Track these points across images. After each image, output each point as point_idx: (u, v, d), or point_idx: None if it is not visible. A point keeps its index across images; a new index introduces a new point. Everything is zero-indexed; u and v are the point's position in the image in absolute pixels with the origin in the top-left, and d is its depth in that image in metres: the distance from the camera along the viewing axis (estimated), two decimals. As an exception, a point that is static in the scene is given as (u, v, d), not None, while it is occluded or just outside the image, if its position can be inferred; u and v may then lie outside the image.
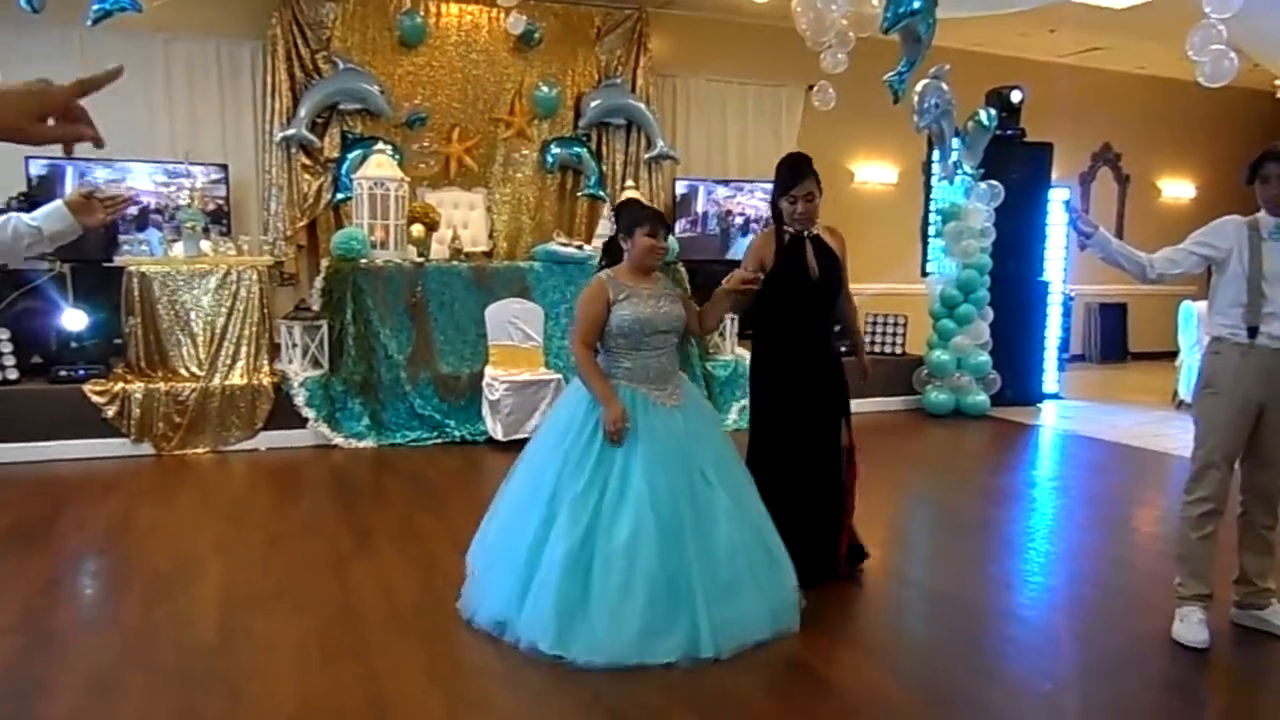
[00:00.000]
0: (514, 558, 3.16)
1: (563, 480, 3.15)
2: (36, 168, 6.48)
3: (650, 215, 3.37)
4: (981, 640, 3.45)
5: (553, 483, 3.16)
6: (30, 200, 6.02)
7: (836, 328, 4.03)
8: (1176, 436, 6.24)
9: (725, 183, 8.68)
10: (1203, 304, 3.94)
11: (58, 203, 2.36)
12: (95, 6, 4.68)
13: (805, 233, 3.77)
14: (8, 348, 5.84)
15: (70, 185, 6.49)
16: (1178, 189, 11.44)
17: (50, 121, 1.31)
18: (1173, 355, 8.53)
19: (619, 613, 2.97)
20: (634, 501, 3.06)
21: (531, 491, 3.24)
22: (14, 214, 2.35)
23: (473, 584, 3.40)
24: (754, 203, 8.60)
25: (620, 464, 3.14)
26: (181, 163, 6.86)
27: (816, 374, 3.78)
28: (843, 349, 4.11)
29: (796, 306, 3.78)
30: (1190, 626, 3.32)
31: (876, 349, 8.16)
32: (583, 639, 2.97)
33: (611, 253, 3.47)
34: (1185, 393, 7.60)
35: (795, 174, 3.75)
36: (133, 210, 6.46)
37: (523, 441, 6.12)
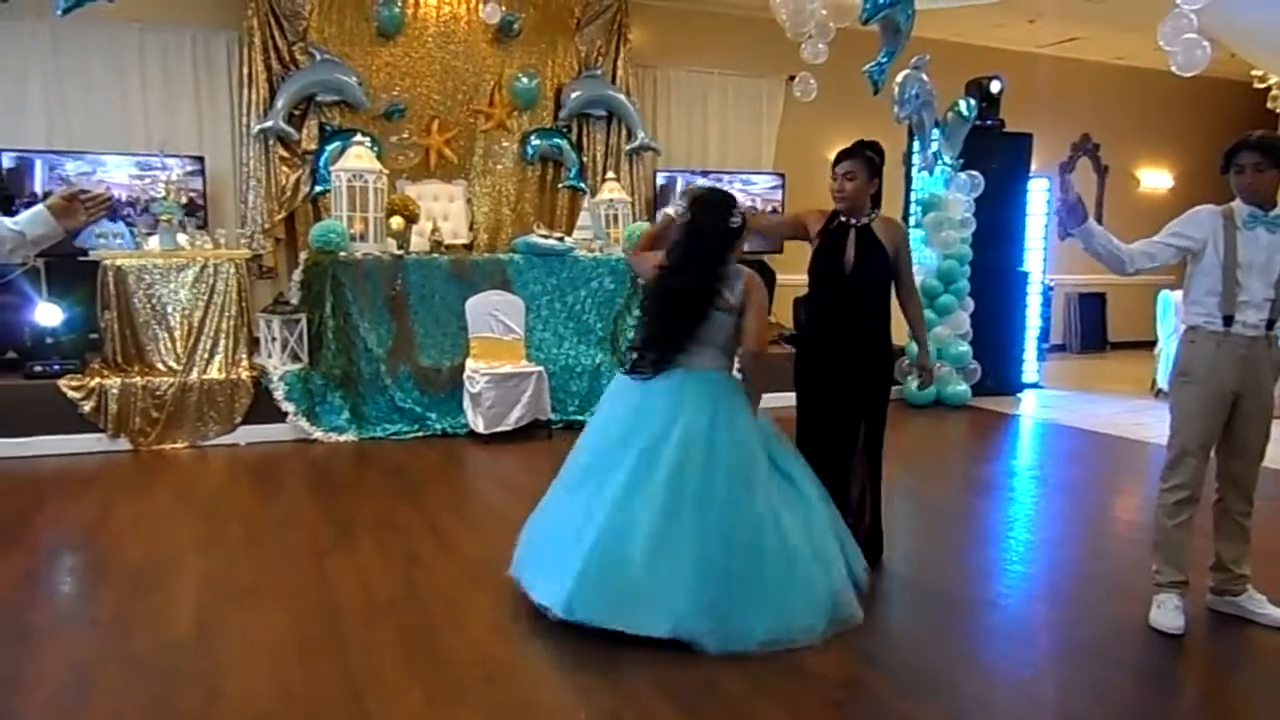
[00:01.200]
0: (559, 530, 3.27)
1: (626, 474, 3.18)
2: (7, 160, 6.40)
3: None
4: (961, 629, 3.47)
5: (623, 477, 3.18)
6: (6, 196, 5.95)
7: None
8: (1155, 425, 6.29)
9: (705, 173, 8.66)
10: (1180, 293, 3.94)
11: (40, 207, 2.38)
12: (65, -4, 4.62)
13: (854, 220, 3.66)
14: (-19, 343, 5.78)
15: (40, 177, 6.42)
16: (1156, 179, 11.52)
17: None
18: (1151, 344, 8.59)
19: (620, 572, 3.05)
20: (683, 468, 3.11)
21: (594, 475, 3.30)
22: None
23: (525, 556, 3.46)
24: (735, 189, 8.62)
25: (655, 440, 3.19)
26: (156, 155, 6.78)
27: (841, 367, 3.67)
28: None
29: (827, 295, 3.71)
30: (1167, 613, 3.35)
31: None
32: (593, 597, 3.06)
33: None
34: (1164, 381, 7.66)
35: (844, 152, 3.70)
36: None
37: (504, 435, 6.18)
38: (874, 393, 3.76)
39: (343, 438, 6.18)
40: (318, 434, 6.15)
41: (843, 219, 3.66)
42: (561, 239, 7.08)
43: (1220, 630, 3.42)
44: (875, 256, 3.62)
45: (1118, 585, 3.83)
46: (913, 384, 3.93)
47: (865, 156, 3.64)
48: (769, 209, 8.40)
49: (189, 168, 6.94)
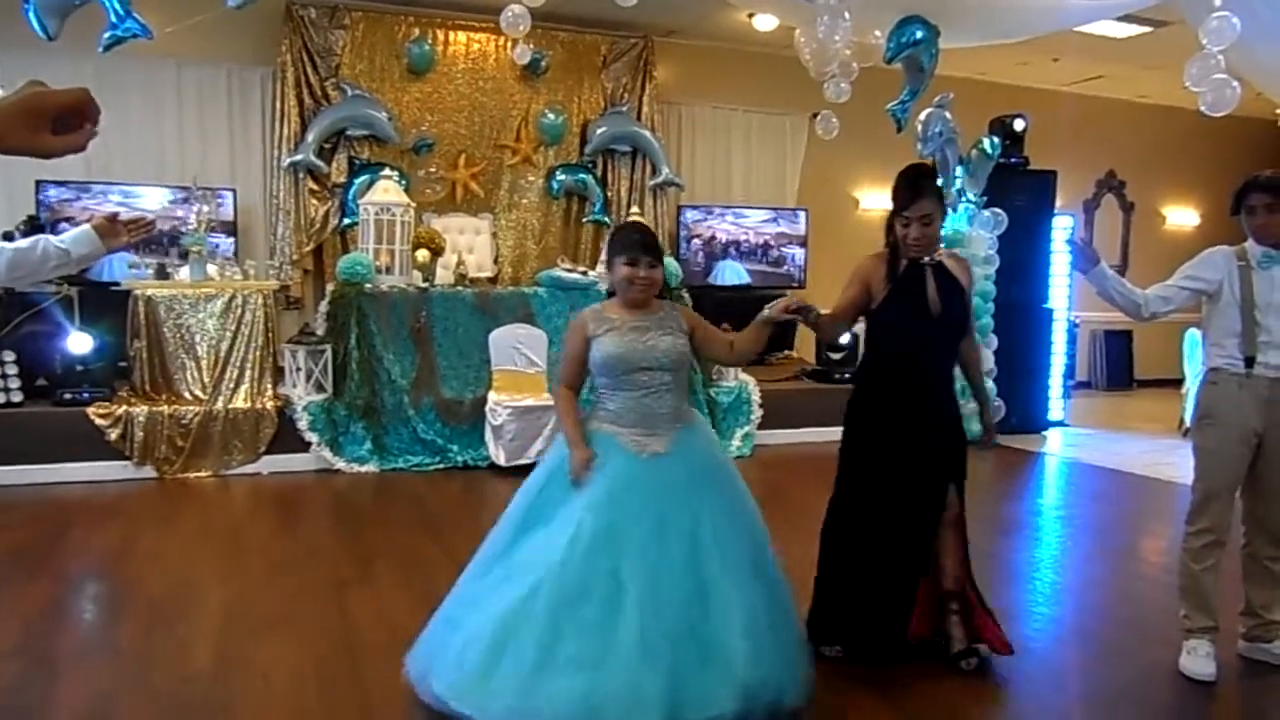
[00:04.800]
0: (458, 610, 2.89)
1: (520, 531, 2.87)
2: (50, 191, 6.54)
3: (630, 242, 2.95)
4: (987, 673, 3.42)
5: (509, 534, 2.90)
6: (35, 225, 6.06)
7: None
8: (1183, 465, 6.17)
9: (695, 207, 8.71)
10: (1207, 332, 3.89)
11: (85, 226, 2.45)
12: (108, 33, 4.72)
13: (926, 259, 3.23)
14: (13, 370, 5.86)
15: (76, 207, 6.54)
16: (1182, 216, 11.45)
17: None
18: (1179, 383, 8.50)
19: (530, 672, 2.56)
20: (556, 546, 2.70)
21: (492, 542, 2.97)
22: (43, 236, 2.42)
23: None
24: (726, 226, 8.65)
25: (567, 513, 2.78)
26: (190, 187, 6.90)
27: (924, 426, 3.23)
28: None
29: (909, 345, 3.22)
30: (1197, 659, 3.28)
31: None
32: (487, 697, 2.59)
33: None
34: (1192, 421, 7.56)
35: (912, 191, 3.18)
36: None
37: (526, 467, 6.16)
38: (961, 449, 3.35)
39: (365, 468, 6.21)
40: (340, 464, 6.17)
41: (914, 255, 3.22)
42: (585, 273, 7.12)
43: (1252, 677, 3.34)
44: (956, 297, 3.24)
45: (1147, 630, 3.76)
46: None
47: (935, 193, 3.20)
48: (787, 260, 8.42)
49: (221, 199, 7.06)
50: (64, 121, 1.28)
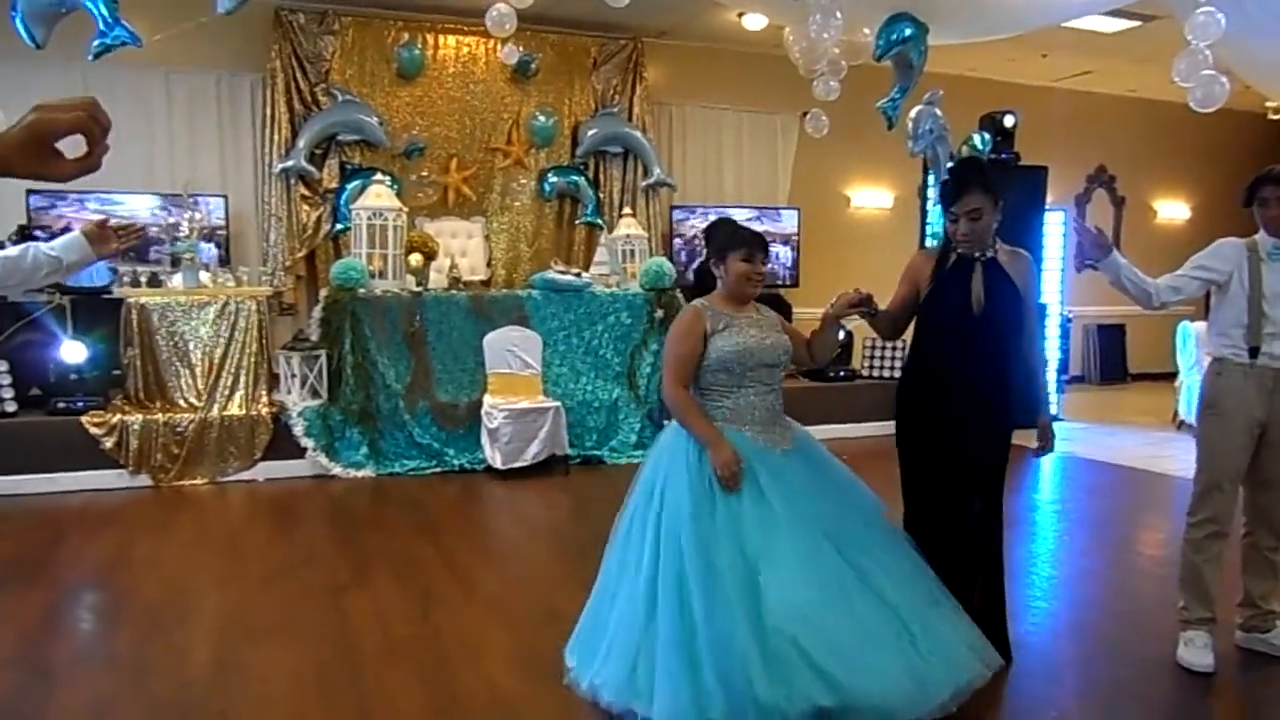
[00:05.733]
0: (631, 637, 2.69)
1: (670, 545, 2.68)
2: (36, 200, 6.52)
3: (747, 237, 2.92)
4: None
5: (656, 549, 2.70)
6: (25, 234, 6.05)
7: None
8: (1178, 458, 6.22)
9: (685, 207, 8.69)
10: (1201, 325, 3.91)
11: (75, 233, 2.43)
12: (96, 41, 4.70)
13: (978, 254, 3.09)
14: (6, 380, 5.85)
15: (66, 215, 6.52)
16: (1173, 210, 11.49)
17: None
18: (1172, 376, 8.53)
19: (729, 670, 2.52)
20: (793, 561, 2.63)
21: (633, 562, 2.77)
22: (33, 244, 2.40)
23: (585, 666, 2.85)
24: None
25: (761, 517, 2.69)
26: (181, 194, 6.89)
27: (971, 430, 3.08)
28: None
29: (950, 344, 3.07)
30: (1195, 651, 3.29)
31: (875, 373, 8.17)
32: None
33: (703, 280, 3.06)
34: (1186, 413, 7.59)
35: (959, 185, 3.05)
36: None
37: (521, 470, 6.18)
38: (1000, 457, 3.21)
39: (361, 473, 6.20)
40: (336, 470, 6.17)
41: (961, 252, 3.09)
42: (579, 275, 7.12)
43: (1250, 668, 3.35)
44: (1007, 295, 3.07)
45: (1144, 622, 3.77)
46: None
47: (984, 183, 3.02)
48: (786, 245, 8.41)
49: (212, 206, 7.04)
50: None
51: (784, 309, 8.33)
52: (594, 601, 2.93)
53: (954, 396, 3.07)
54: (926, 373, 3.17)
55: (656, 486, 2.81)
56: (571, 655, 2.94)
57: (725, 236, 2.96)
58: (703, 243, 3.14)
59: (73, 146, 1.33)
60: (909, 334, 3.31)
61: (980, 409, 3.09)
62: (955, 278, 3.08)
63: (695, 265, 3.21)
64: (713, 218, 8.54)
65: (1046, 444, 3.33)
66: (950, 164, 3.18)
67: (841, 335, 7.88)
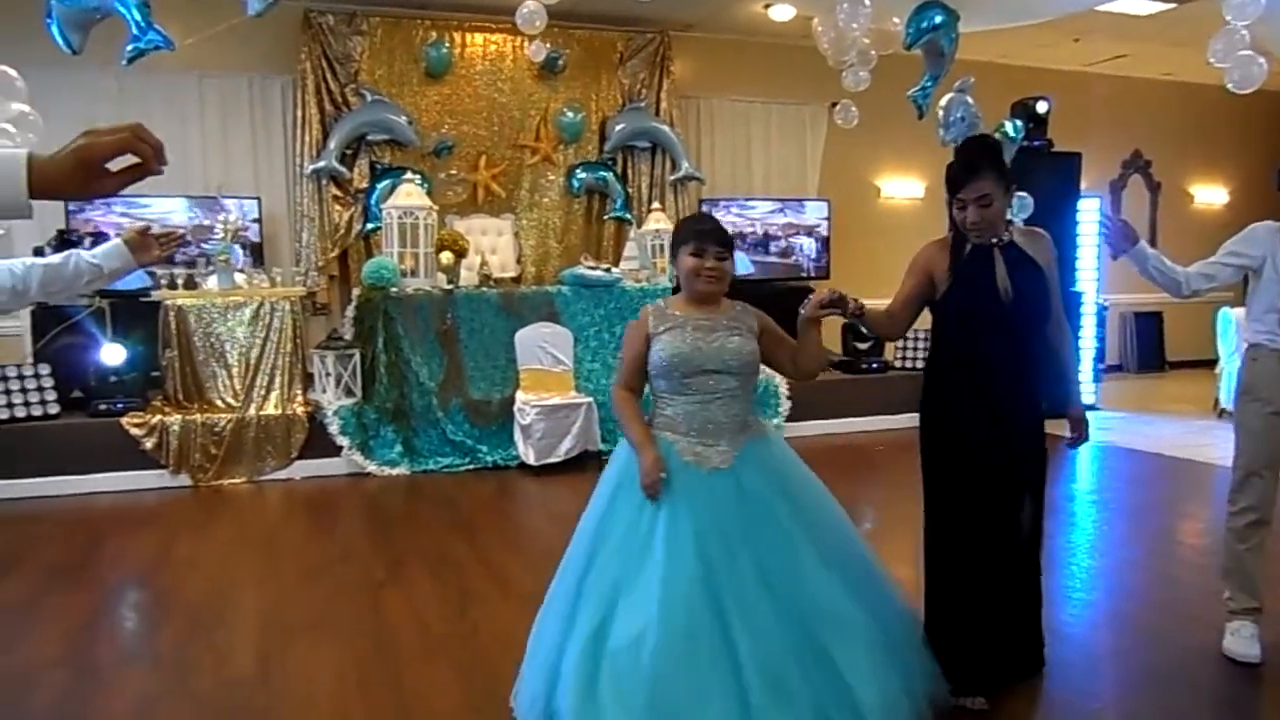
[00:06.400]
0: (546, 648, 2.65)
1: (586, 557, 2.62)
2: (74, 206, 6.63)
3: (696, 230, 2.69)
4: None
5: (583, 556, 2.64)
6: (65, 239, 6.15)
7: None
8: (1219, 446, 6.12)
9: (749, 200, 8.67)
10: (1241, 310, 3.83)
11: (116, 241, 2.45)
12: (130, 46, 4.77)
13: (995, 240, 2.87)
14: (49, 382, 5.95)
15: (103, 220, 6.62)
16: (1210, 195, 11.28)
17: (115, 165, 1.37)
18: (1212, 363, 8.38)
19: None
20: (652, 586, 2.44)
21: (565, 565, 2.72)
22: (75, 251, 2.43)
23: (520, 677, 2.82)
24: (730, 219, 8.59)
25: (645, 534, 2.53)
26: (215, 197, 6.97)
27: (1005, 427, 2.87)
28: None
29: (980, 338, 2.85)
30: (1241, 641, 3.24)
31: (908, 364, 8.11)
32: None
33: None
34: (1226, 401, 7.46)
35: (966, 170, 2.81)
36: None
37: (555, 466, 6.20)
38: (1043, 449, 3.01)
39: (395, 471, 6.25)
40: (371, 468, 6.22)
41: (977, 239, 2.87)
42: (608, 270, 7.12)
43: (1298, 660, 3.29)
44: (1032, 278, 2.86)
45: (1187, 612, 3.72)
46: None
47: (994, 169, 2.81)
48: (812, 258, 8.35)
49: (246, 208, 7.12)
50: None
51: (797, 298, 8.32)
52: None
53: (993, 394, 2.85)
54: (958, 373, 2.92)
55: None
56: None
57: (679, 230, 2.78)
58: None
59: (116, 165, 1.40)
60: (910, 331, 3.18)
61: (1020, 403, 2.90)
62: (976, 268, 2.85)
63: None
64: (734, 210, 8.49)
65: (1081, 435, 3.13)
66: (957, 145, 2.92)
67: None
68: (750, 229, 8.56)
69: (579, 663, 2.44)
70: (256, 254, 7.12)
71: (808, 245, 8.74)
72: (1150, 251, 3.35)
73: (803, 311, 2.69)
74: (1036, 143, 7.88)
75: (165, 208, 6.90)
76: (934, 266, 2.93)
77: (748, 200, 8.71)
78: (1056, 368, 3.08)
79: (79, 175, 1.33)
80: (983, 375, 2.86)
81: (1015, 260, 2.86)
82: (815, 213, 8.79)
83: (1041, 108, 7.97)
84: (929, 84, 6.12)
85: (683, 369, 2.61)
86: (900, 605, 2.71)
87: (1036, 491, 2.99)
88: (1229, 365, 7.71)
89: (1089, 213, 8.50)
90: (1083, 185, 8.28)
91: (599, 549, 2.59)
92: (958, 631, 2.89)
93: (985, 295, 2.83)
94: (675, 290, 2.84)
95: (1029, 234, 2.96)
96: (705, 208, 8.56)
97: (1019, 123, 7.57)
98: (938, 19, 5.68)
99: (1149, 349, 10.97)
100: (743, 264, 8.58)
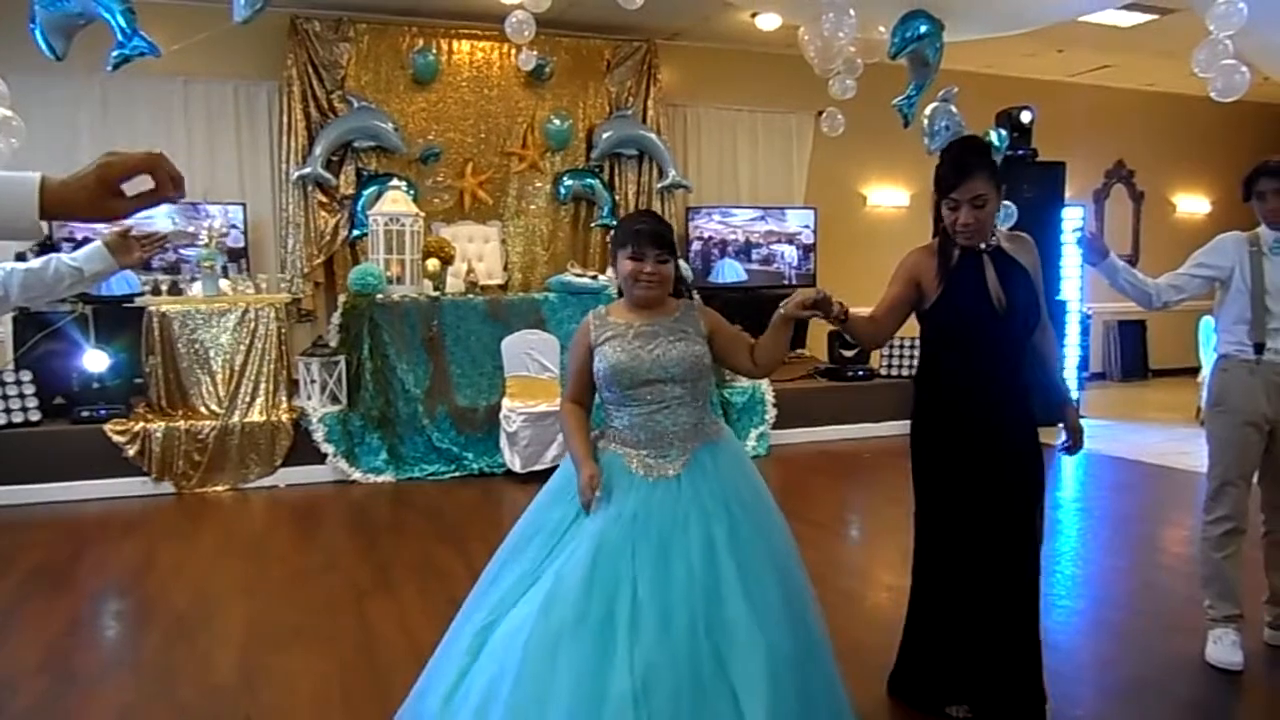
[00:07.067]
0: (454, 640, 2.54)
1: (505, 557, 2.53)
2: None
3: (634, 232, 2.52)
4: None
5: (497, 560, 2.56)
6: (46, 245, 6.10)
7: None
8: (1202, 453, 6.13)
9: (737, 208, 8.69)
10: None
11: (97, 243, 2.43)
12: (115, 52, 4.75)
13: (983, 246, 2.78)
14: (30, 389, 5.90)
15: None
16: (1193, 204, 11.38)
17: (133, 188, 1.40)
18: (1194, 371, 8.45)
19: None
20: (544, 580, 2.36)
21: (487, 569, 2.61)
22: (55, 255, 2.41)
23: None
24: (714, 225, 8.61)
25: (564, 542, 2.43)
26: (199, 203, 6.94)
27: (1001, 440, 2.80)
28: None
29: (974, 347, 2.78)
30: (1223, 648, 3.26)
31: (894, 371, 8.13)
32: None
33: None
34: (1203, 409, 7.51)
35: (958, 170, 2.71)
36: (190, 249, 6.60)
37: (541, 473, 6.18)
38: (1039, 461, 2.90)
39: (381, 478, 6.22)
40: (356, 475, 6.19)
41: (965, 242, 2.77)
42: (595, 277, 7.12)
43: None
44: (1023, 284, 2.78)
45: (1170, 620, 3.74)
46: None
47: (987, 169, 2.72)
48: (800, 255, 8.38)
49: (231, 214, 7.10)
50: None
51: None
52: None
53: (986, 403, 2.77)
54: (950, 382, 2.83)
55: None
56: None
57: (617, 233, 2.61)
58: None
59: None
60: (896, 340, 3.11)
61: (1014, 412, 2.82)
62: (966, 275, 2.76)
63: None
64: (716, 216, 8.45)
65: (1078, 441, 3.02)
66: (945, 145, 2.80)
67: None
68: (733, 236, 8.58)
69: (468, 649, 2.38)
70: (235, 258, 7.06)
71: (789, 253, 8.77)
72: (1120, 264, 3.38)
73: (782, 308, 2.52)
74: (1020, 152, 7.94)
75: (147, 213, 6.85)
76: (921, 274, 2.83)
77: (729, 208, 8.73)
78: (1046, 375, 3.02)
79: (98, 193, 1.35)
80: (976, 384, 2.78)
81: (1005, 266, 2.78)
82: (797, 220, 8.82)
83: (1025, 117, 8.03)
84: (914, 93, 6.15)
85: (625, 380, 2.48)
86: (819, 634, 2.49)
87: (1033, 502, 2.87)
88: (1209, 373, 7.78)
89: (1072, 222, 8.58)
90: (1067, 194, 8.34)
91: (520, 551, 2.49)
92: (943, 639, 2.86)
93: (977, 303, 2.74)
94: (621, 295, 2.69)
95: (1014, 239, 2.90)
96: (694, 217, 8.59)
97: (1003, 132, 7.63)
98: (922, 29, 5.71)
99: (1132, 357, 11.05)
100: (734, 271, 8.61)
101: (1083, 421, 3.14)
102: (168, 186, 1.41)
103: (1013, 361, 2.81)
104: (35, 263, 2.40)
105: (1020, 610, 2.81)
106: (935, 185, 2.78)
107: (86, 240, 2.98)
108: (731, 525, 2.41)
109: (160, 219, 6.48)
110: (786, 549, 2.52)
